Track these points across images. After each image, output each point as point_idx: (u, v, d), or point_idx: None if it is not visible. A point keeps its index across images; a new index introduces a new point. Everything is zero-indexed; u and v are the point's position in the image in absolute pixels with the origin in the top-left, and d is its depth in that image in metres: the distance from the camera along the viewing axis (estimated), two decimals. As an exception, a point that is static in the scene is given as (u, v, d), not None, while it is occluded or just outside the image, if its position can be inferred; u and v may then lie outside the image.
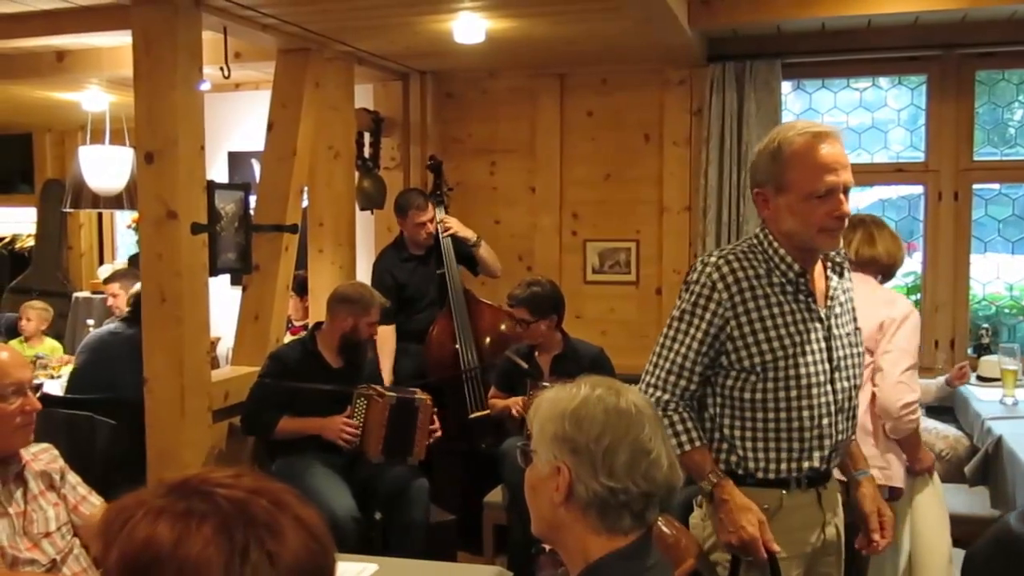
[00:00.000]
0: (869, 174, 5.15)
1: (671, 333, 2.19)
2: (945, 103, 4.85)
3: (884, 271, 3.18)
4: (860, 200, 5.50)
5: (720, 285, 2.13)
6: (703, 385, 2.20)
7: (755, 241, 2.21)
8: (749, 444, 2.17)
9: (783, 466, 2.16)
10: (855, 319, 2.30)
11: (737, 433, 2.17)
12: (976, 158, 4.90)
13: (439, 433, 3.86)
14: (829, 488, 2.26)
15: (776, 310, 2.14)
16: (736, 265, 2.15)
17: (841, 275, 2.28)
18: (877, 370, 2.95)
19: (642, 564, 1.48)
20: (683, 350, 2.16)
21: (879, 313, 2.96)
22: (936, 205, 4.91)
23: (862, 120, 5.16)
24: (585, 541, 1.48)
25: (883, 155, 5.15)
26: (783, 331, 2.13)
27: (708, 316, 2.13)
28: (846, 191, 2.10)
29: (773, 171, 2.12)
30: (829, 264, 2.25)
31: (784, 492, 2.17)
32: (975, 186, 4.91)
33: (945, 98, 4.85)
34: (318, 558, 0.96)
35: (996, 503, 3.60)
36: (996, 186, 5.09)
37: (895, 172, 5.08)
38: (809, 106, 5.23)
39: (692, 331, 2.15)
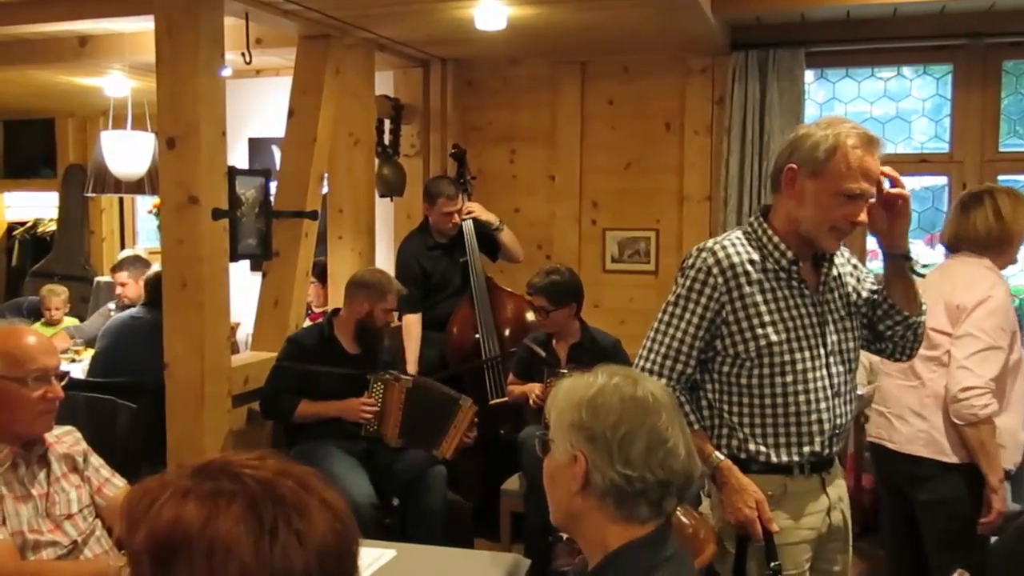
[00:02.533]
0: (892, 165, 5.01)
1: (666, 318, 2.22)
2: (971, 93, 4.79)
3: (983, 248, 2.95)
4: (883, 191, 5.45)
5: (715, 270, 2.16)
6: (700, 370, 2.23)
7: (749, 229, 2.24)
8: (748, 429, 2.19)
9: (783, 451, 2.18)
10: (849, 303, 2.30)
11: (736, 419, 2.20)
12: (1001, 149, 4.85)
13: (471, 439, 3.87)
14: (833, 473, 2.28)
15: (769, 296, 2.16)
16: (732, 251, 2.18)
17: (831, 261, 2.27)
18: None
19: (660, 554, 1.47)
20: (679, 334, 2.19)
21: (957, 297, 2.86)
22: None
23: (886, 110, 5.11)
24: (603, 530, 1.48)
25: (907, 145, 5.11)
26: (776, 316, 2.15)
27: (703, 300, 2.16)
28: (866, 201, 2.13)
29: (816, 154, 2.11)
30: (820, 252, 2.26)
31: (788, 478, 2.19)
32: (1000, 177, 4.85)
33: (971, 88, 4.79)
34: (344, 539, 0.96)
35: (1017, 497, 3.57)
36: (1021, 177, 5.03)
37: (919, 163, 5.03)
38: (832, 95, 5.19)
39: (687, 315, 2.18)
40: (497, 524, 4.16)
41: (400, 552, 2.47)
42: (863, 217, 2.11)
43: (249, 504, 0.92)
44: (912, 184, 5.31)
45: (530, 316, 4.58)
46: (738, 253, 2.18)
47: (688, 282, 2.19)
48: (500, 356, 4.55)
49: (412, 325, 4.57)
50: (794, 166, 2.14)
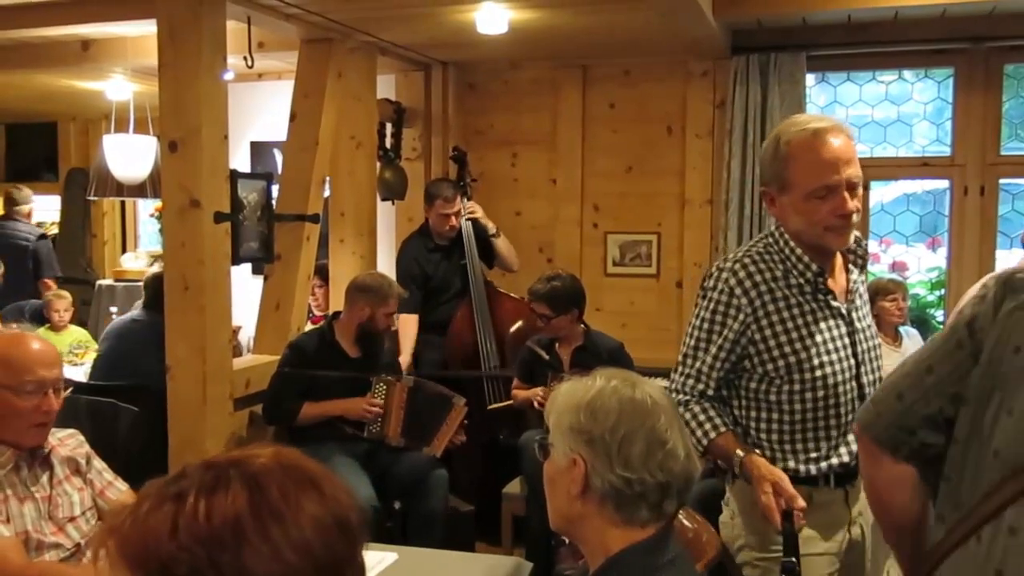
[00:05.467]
0: (894, 168, 5.11)
1: (692, 343, 2.16)
2: (972, 96, 4.80)
3: None
4: (884, 194, 5.46)
5: (738, 291, 2.10)
6: (727, 387, 2.18)
7: (770, 240, 2.17)
8: (776, 444, 2.14)
9: (812, 465, 2.13)
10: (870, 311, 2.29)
11: (764, 435, 2.15)
12: (1003, 152, 4.85)
13: (462, 440, 3.90)
14: (856, 487, 2.21)
15: (796, 311, 2.10)
16: (753, 269, 2.12)
17: (863, 268, 2.23)
18: None
19: (661, 557, 1.47)
20: (707, 358, 2.13)
21: None
22: (962, 200, 4.86)
23: (887, 113, 5.11)
24: (604, 534, 1.48)
25: (908, 149, 5.11)
26: (804, 331, 2.09)
27: (729, 322, 2.10)
28: (852, 187, 2.02)
29: (775, 169, 2.08)
30: (851, 257, 2.20)
31: (813, 489, 2.12)
32: (1001, 181, 4.86)
33: (972, 91, 4.79)
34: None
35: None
36: (1023, 181, 5.03)
37: (920, 166, 5.03)
38: (834, 99, 5.19)
39: (715, 338, 2.12)
40: (498, 527, 4.16)
41: (401, 555, 2.47)
42: (851, 205, 2.02)
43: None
44: (914, 187, 5.32)
45: (528, 320, 4.58)
46: (760, 271, 2.11)
47: (712, 305, 2.13)
48: (499, 358, 4.56)
49: (408, 325, 4.58)
50: (765, 188, 2.13)
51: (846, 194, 2.02)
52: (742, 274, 2.11)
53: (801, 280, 2.11)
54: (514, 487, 4.14)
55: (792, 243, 2.11)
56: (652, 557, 1.46)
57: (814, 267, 2.10)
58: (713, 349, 2.12)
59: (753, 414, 2.15)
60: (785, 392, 2.10)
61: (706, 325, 2.13)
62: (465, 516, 4.16)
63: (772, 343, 2.09)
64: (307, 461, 0.98)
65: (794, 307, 2.10)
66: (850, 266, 2.21)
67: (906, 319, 4.58)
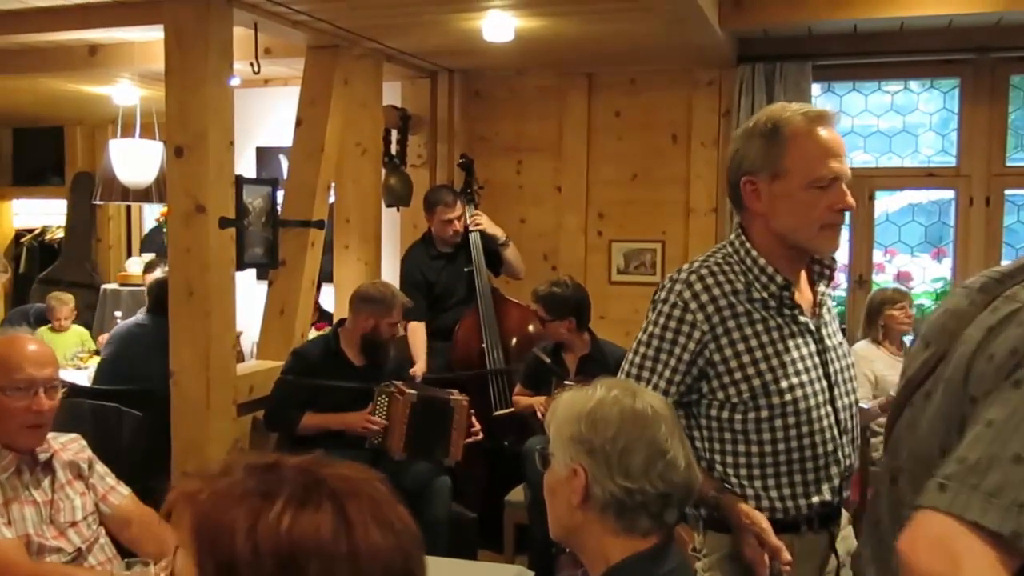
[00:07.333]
0: (899, 178, 5.11)
1: (637, 360, 1.93)
2: (978, 107, 4.80)
3: None
4: (890, 204, 5.46)
5: (693, 305, 1.87)
6: (684, 416, 1.94)
7: (730, 250, 1.94)
8: (746, 481, 1.89)
9: (790, 503, 1.89)
10: (842, 328, 2.08)
11: (731, 470, 1.90)
12: (1009, 163, 4.84)
13: (479, 435, 3.88)
14: (842, 526, 2.00)
15: (760, 327, 1.87)
16: (711, 281, 1.89)
17: (829, 281, 2.02)
18: None
19: (662, 567, 1.47)
20: (658, 381, 1.89)
21: None
22: (967, 210, 4.85)
23: (893, 123, 5.11)
24: (604, 544, 1.48)
25: (913, 159, 5.10)
26: (770, 350, 1.86)
27: (682, 340, 1.87)
28: (846, 183, 1.85)
29: (770, 155, 1.84)
30: (816, 268, 2.00)
31: (795, 537, 1.89)
32: (1007, 192, 4.86)
33: (978, 102, 4.79)
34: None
35: None
36: (1029, 192, 5.03)
37: (926, 176, 5.03)
38: (839, 108, 5.18)
39: (666, 358, 1.89)
40: (501, 535, 4.15)
41: (403, 563, 2.46)
42: (850, 199, 1.83)
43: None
44: (919, 197, 5.32)
45: (536, 327, 4.58)
46: (719, 284, 1.88)
47: (663, 319, 1.89)
48: (505, 365, 4.55)
49: (418, 333, 4.58)
50: (750, 177, 1.87)
51: (844, 187, 1.84)
52: (698, 287, 1.88)
53: (764, 294, 1.89)
54: (517, 495, 4.14)
55: (754, 252, 1.90)
56: (653, 567, 1.46)
57: (779, 279, 1.88)
58: (666, 372, 1.89)
59: (718, 446, 1.91)
60: (752, 420, 1.86)
61: (655, 342, 1.90)
62: (468, 524, 4.15)
63: (734, 364, 1.86)
64: (392, 497, 0.99)
65: (758, 323, 1.87)
66: (815, 277, 2.00)
67: (913, 328, 4.56)
